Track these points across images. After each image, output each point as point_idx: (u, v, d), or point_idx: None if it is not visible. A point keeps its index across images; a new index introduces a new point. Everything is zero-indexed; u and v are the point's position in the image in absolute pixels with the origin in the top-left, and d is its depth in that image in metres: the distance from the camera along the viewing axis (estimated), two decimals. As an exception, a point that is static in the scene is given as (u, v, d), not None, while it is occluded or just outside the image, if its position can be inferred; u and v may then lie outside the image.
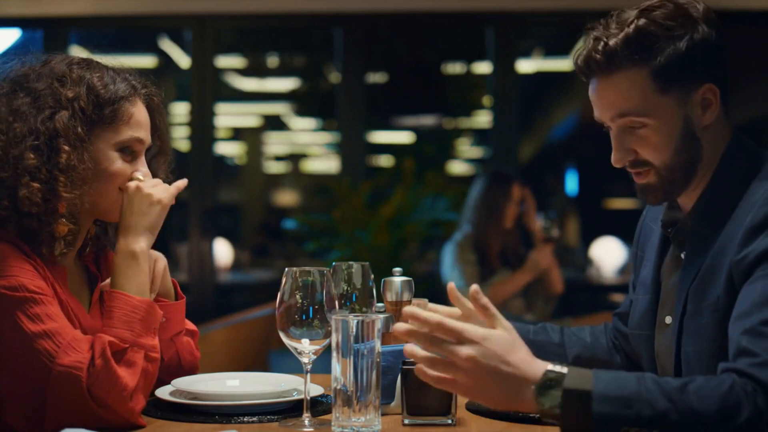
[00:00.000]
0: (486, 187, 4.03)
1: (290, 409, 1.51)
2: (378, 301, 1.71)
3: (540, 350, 1.77)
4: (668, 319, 1.56)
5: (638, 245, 1.75)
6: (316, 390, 1.57)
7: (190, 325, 1.77)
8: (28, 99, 1.52)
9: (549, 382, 1.22)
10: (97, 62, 1.61)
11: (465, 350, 1.22)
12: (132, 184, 1.56)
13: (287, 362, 3.08)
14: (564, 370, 1.23)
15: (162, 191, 1.57)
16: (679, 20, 1.45)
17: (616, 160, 1.53)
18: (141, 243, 1.53)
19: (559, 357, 1.79)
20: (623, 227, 6.74)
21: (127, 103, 1.58)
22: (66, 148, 1.49)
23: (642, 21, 1.45)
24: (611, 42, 1.46)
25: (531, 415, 1.44)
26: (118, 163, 1.57)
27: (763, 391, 1.21)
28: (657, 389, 1.21)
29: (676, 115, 1.47)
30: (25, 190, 1.46)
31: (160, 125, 1.68)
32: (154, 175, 1.67)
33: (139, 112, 1.60)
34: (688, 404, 1.20)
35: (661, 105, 1.47)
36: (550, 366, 1.24)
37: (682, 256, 1.53)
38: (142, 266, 1.51)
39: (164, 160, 1.72)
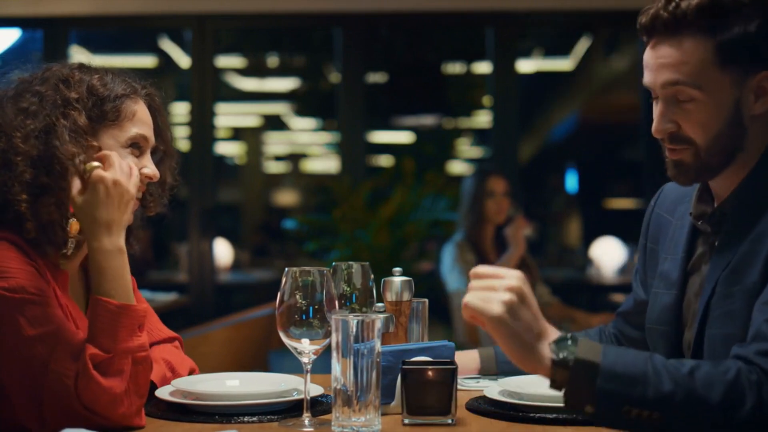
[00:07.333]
0: (466, 185, 4.08)
1: (290, 409, 1.51)
2: (378, 301, 1.71)
3: None
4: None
5: (648, 237, 1.70)
6: (316, 390, 1.57)
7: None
8: (34, 99, 1.53)
9: (565, 339, 1.23)
10: (96, 66, 1.63)
11: (510, 279, 1.24)
12: (108, 177, 1.46)
13: (287, 362, 3.09)
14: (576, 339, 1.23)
15: (133, 186, 1.51)
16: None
17: (656, 130, 1.49)
18: (123, 240, 1.49)
19: None
20: (623, 227, 6.74)
21: (129, 101, 1.59)
22: (95, 144, 1.52)
23: None
24: (683, 4, 1.43)
25: (531, 414, 1.44)
26: (128, 159, 1.56)
27: (767, 380, 1.21)
28: (664, 371, 1.19)
29: (728, 96, 1.44)
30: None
31: (162, 126, 1.68)
32: (162, 179, 1.67)
33: (142, 110, 1.61)
34: (693, 390, 1.19)
35: (716, 81, 1.43)
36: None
37: (716, 243, 1.49)
38: (127, 265, 1.49)
39: (170, 163, 1.72)
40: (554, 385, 1.22)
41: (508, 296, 1.23)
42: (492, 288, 1.24)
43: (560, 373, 1.21)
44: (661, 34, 1.46)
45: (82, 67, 1.60)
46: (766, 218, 1.41)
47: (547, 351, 1.22)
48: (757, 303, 1.33)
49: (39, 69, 1.60)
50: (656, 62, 1.47)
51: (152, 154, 1.64)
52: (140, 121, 1.60)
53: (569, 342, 1.22)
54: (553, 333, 1.24)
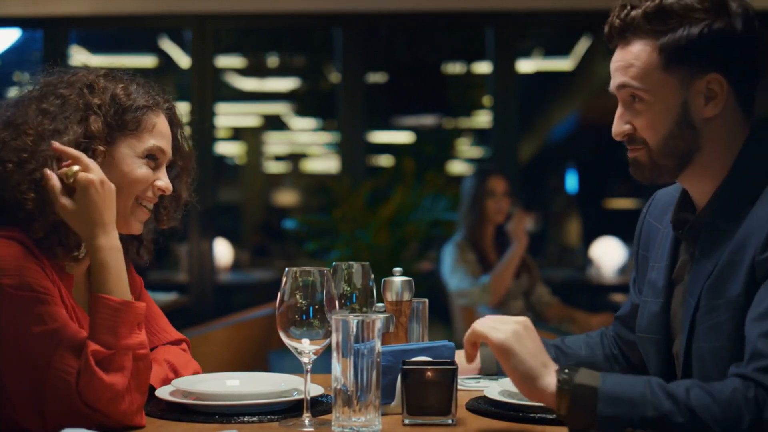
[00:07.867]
0: (466, 185, 4.09)
1: (290, 409, 1.51)
2: (378, 301, 1.71)
3: None
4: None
5: (640, 244, 1.72)
6: (316, 390, 1.57)
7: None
8: (57, 101, 1.54)
9: (566, 369, 1.29)
10: (122, 75, 1.63)
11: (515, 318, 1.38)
12: (95, 179, 1.45)
13: (287, 362, 3.09)
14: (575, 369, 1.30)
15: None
16: (705, 5, 1.44)
17: (614, 132, 1.53)
18: (117, 236, 1.49)
19: None
20: (623, 227, 6.73)
21: (151, 113, 1.60)
22: (101, 149, 1.52)
23: None
24: (633, 12, 1.48)
25: (531, 414, 1.44)
26: (143, 169, 1.57)
27: (765, 396, 1.22)
28: (662, 392, 1.23)
29: (674, 98, 1.46)
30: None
31: (181, 142, 1.69)
32: (177, 194, 1.68)
33: (162, 123, 1.62)
34: (692, 409, 1.21)
35: (660, 82, 1.46)
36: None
37: (695, 253, 1.50)
38: (124, 262, 1.50)
39: (186, 179, 1.73)
40: (559, 414, 1.28)
41: (513, 325, 1.35)
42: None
43: (564, 401, 1.26)
44: (616, 40, 1.52)
45: (108, 75, 1.61)
46: (743, 228, 1.41)
47: (552, 379, 1.29)
48: (748, 318, 1.33)
49: (66, 72, 1.60)
50: (612, 66, 1.53)
51: (169, 168, 1.65)
52: (159, 134, 1.61)
53: (571, 371, 1.28)
54: (555, 366, 1.32)
